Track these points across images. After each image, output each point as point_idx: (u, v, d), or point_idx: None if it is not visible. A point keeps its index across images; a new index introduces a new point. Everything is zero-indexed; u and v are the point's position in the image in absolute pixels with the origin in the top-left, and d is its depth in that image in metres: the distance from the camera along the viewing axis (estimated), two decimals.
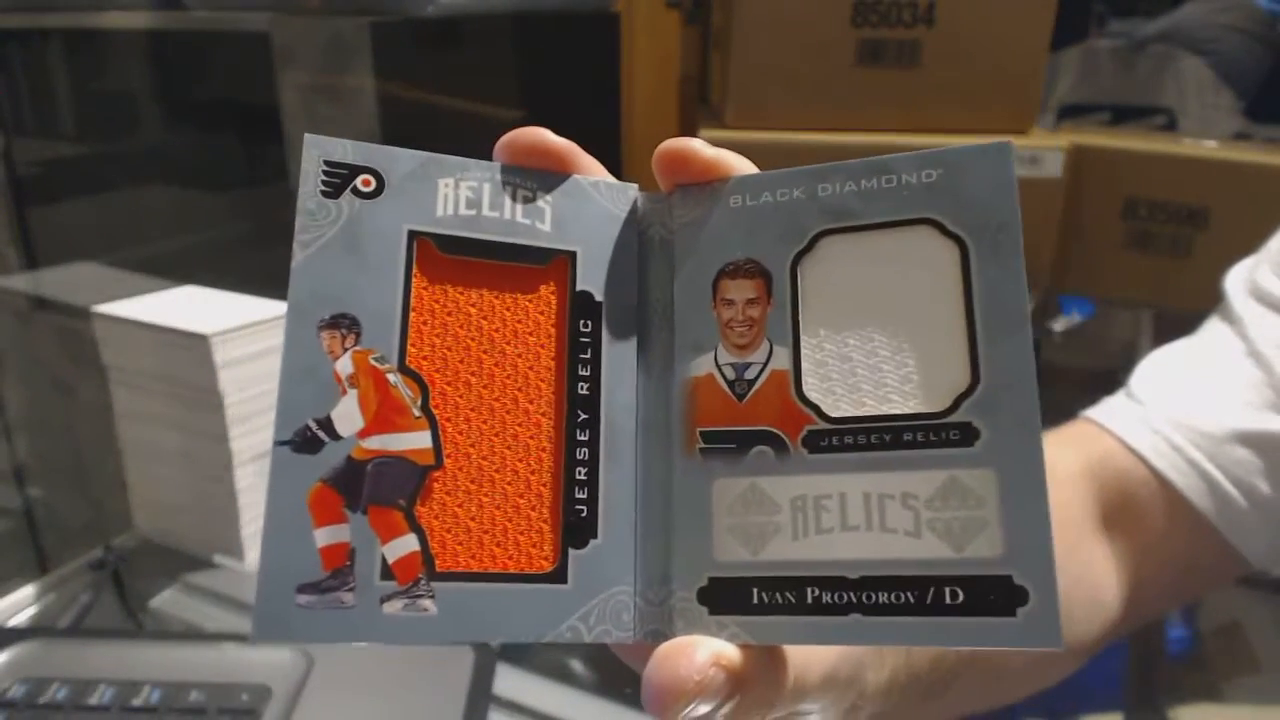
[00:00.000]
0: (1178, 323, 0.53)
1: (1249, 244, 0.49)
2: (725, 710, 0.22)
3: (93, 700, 0.53)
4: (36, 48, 1.25)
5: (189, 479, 0.74)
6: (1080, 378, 1.12)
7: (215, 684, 0.54)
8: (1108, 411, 0.46)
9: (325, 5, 1.05)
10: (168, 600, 0.70)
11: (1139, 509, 0.43)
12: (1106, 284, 1.00)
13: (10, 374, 1.15)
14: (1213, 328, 0.48)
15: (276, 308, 0.73)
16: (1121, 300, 1.04)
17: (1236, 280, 0.48)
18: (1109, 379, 0.50)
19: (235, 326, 0.69)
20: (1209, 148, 0.99)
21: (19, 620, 0.69)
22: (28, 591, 0.71)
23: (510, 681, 0.60)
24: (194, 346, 0.68)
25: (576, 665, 0.66)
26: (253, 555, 0.74)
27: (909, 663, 0.32)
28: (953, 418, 0.22)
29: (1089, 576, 0.43)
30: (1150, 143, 1.03)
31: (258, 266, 1.20)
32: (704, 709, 0.21)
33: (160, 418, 0.73)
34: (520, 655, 0.64)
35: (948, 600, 0.21)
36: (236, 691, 0.54)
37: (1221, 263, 0.49)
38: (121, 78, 1.30)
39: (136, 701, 0.52)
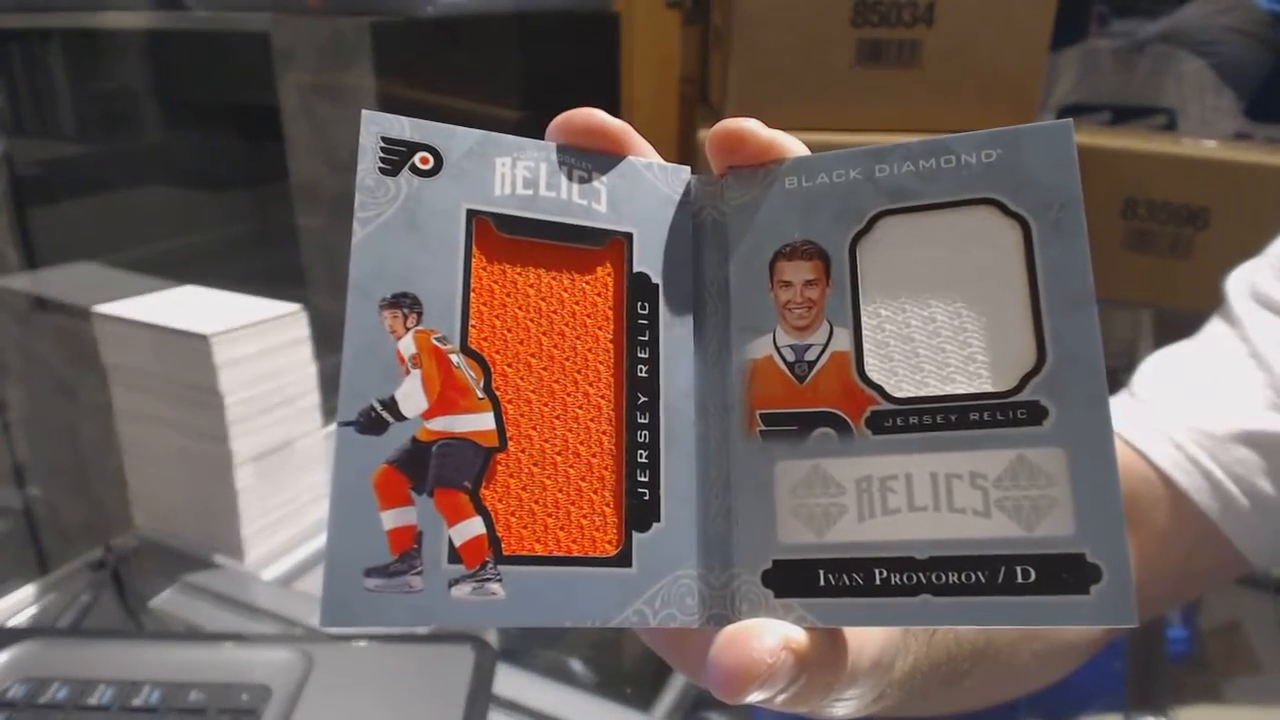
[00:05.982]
0: (1178, 323, 0.52)
1: (1249, 244, 0.49)
2: (787, 695, 0.21)
3: (92, 700, 0.52)
4: (36, 48, 1.25)
5: (189, 479, 0.73)
6: None
7: (215, 684, 0.54)
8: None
9: (325, 5, 1.05)
10: (167, 600, 0.70)
11: (1142, 507, 0.43)
12: (1106, 284, 0.99)
13: (10, 374, 1.15)
14: (1214, 329, 0.48)
15: (276, 307, 0.73)
16: (1121, 300, 1.04)
17: (1237, 283, 0.48)
18: (1110, 379, 0.50)
19: (235, 326, 0.69)
20: (1209, 148, 0.98)
21: (19, 620, 0.69)
22: (28, 591, 0.71)
23: (510, 681, 0.60)
24: (194, 346, 0.68)
25: (576, 665, 0.66)
26: (252, 555, 0.74)
27: (929, 653, 0.32)
28: (1020, 397, 0.22)
29: None
30: (1150, 143, 1.03)
31: (258, 266, 1.20)
32: (766, 693, 0.21)
33: (160, 418, 0.73)
34: (520, 655, 0.64)
35: (1019, 580, 0.20)
36: (236, 692, 0.54)
37: (1222, 263, 0.49)
38: (122, 78, 1.30)
39: (136, 701, 0.52)
